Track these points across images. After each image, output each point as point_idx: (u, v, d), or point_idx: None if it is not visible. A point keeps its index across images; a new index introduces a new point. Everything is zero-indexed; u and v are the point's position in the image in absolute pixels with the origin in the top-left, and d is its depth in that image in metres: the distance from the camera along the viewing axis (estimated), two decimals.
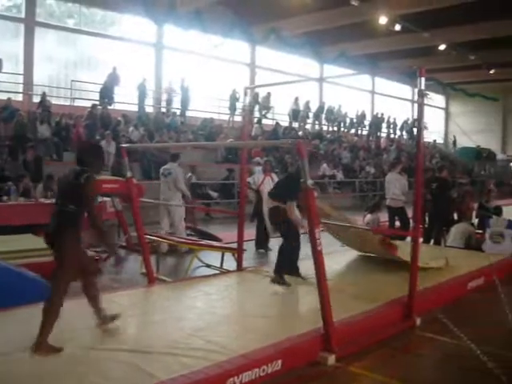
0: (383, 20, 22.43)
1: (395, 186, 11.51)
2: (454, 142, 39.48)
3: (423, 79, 5.68)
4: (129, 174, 6.64)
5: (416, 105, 5.93)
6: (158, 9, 21.30)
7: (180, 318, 5.38)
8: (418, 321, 5.92)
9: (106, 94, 20.13)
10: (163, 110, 22.43)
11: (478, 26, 23.60)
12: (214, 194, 16.92)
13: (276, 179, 10.30)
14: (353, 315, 5.50)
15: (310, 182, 4.43)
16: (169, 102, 22.39)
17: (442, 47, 27.02)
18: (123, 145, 6.94)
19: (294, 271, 7.18)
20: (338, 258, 8.68)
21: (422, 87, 5.68)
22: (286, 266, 6.92)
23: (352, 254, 9.00)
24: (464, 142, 36.04)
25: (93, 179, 4.58)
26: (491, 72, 32.44)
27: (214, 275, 7.74)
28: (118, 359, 4.31)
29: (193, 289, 6.68)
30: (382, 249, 7.37)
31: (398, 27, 23.36)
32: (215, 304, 5.91)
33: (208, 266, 8.80)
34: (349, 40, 26.72)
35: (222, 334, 4.92)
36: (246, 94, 7.78)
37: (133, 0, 20.50)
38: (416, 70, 5.77)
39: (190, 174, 14.95)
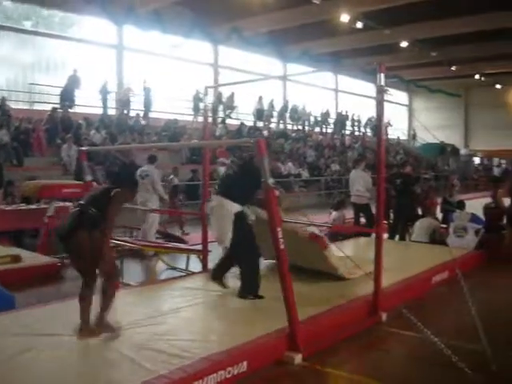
0: (345, 18, 22.51)
1: (359, 182, 11.57)
2: (414, 136, 39.99)
3: (383, 75, 5.68)
4: (88, 178, 6.51)
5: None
6: (117, 10, 20.99)
7: (143, 322, 5.26)
8: (384, 316, 5.93)
9: (67, 96, 19.79)
10: (126, 111, 22.14)
11: (439, 22, 23.82)
12: (180, 196, 16.76)
13: None
14: (319, 313, 5.48)
15: (270, 180, 4.38)
16: (126, 103, 22.03)
17: (404, 44, 27.25)
18: (82, 148, 6.74)
19: (220, 276, 6.42)
20: None
21: (382, 83, 5.67)
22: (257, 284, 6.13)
23: None
24: (428, 137, 36.44)
25: (124, 194, 4.94)
26: (453, 68, 32.89)
27: (179, 278, 7.64)
28: (80, 365, 4.25)
29: (157, 292, 6.59)
30: (313, 248, 6.63)
31: (359, 25, 23.47)
32: (179, 307, 5.80)
33: (173, 268, 8.71)
34: (311, 38, 26.78)
35: (186, 337, 4.84)
36: (206, 94, 7.68)
37: (92, 1, 20.15)
38: (376, 67, 5.75)
39: (171, 176, 14.76)
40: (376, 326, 5.81)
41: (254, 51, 28.02)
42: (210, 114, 23.30)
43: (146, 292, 6.69)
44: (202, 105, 23.72)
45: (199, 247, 8.11)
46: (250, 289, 6.05)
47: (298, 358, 4.71)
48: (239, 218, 5.89)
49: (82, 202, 4.97)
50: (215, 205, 6.04)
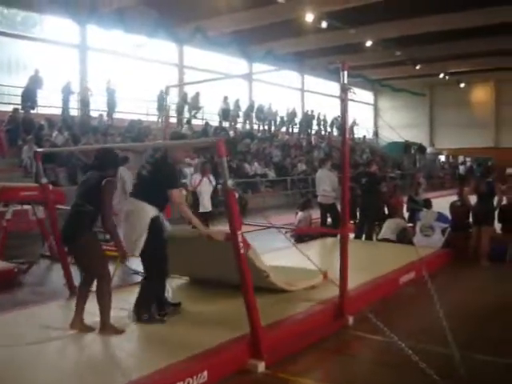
0: (309, 17, 22.47)
1: (325, 182, 11.46)
2: (376, 133, 40.17)
3: (346, 73, 5.57)
4: (44, 181, 6.26)
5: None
6: (80, 9, 20.68)
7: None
8: (351, 320, 5.81)
9: (29, 97, 19.36)
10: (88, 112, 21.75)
11: (404, 22, 23.99)
12: None
13: (213, 180, 10.10)
14: (282, 318, 5.33)
15: (230, 182, 4.22)
16: (87, 103, 21.63)
17: (369, 44, 27.34)
18: (37, 150, 6.49)
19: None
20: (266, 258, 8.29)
21: (345, 82, 5.56)
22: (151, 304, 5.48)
23: (278, 255, 8.74)
24: (393, 136, 36.72)
25: (113, 183, 5.07)
26: (417, 67, 33.16)
27: (138, 283, 7.40)
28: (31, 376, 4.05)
29: (114, 299, 6.29)
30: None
31: (324, 24, 23.46)
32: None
33: (135, 272, 8.46)
34: (276, 38, 26.71)
35: (143, 347, 4.65)
36: (168, 94, 7.49)
37: (54, 0, 19.76)
38: (339, 66, 5.63)
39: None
40: (342, 330, 5.68)
41: (219, 51, 27.84)
42: (172, 113, 23.69)
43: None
44: (168, 104, 23.76)
45: None
46: (147, 304, 5.42)
47: (262, 366, 4.55)
48: (155, 223, 5.29)
49: (76, 200, 5.06)
50: (131, 209, 5.44)
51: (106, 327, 4.94)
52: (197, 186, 10.29)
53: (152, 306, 5.44)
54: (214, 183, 10.15)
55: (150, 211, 5.27)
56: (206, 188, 9.92)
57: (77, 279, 7.05)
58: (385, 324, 5.14)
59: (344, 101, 5.61)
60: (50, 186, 6.76)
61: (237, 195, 4.50)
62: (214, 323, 5.18)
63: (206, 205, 10.17)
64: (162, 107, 23.15)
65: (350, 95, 5.70)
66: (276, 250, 8.97)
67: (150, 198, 5.30)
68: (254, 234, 9.57)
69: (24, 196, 8.88)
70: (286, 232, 6.57)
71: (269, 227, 5.68)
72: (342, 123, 5.91)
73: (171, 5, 21.65)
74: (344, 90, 5.58)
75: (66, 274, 6.57)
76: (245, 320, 4.61)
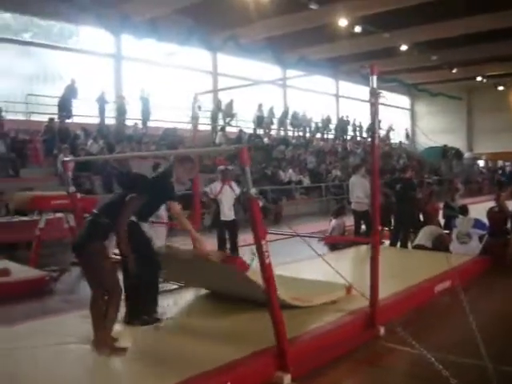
0: (343, 22, 22.33)
1: (359, 188, 11.28)
2: (407, 136, 39.31)
3: (375, 77, 5.42)
4: (71, 189, 6.26)
5: (382, 106, 5.65)
6: (113, 19, 20.98)
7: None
8: (382, 330, 5.63)
9: (64, 107, 19.65)
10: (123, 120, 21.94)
11: (439, 25, 23.62)
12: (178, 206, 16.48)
13: (236, 188, 9.96)
14: (311, 328, 5.19)
15: (253, 190, 4.12)
16: (122, 111, 21.82)
17: (404, 48, 27.05)
18: (65, 158, 6.50)
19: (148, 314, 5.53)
20: (292, 269, 7.98)
21: (374, 86, 5.42)
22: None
23: (305, 265, 8.59)
24: (430, 141, 36.23)
25: (137, 199, 4.86)
26: (454, 71, 32.63)
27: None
28: None
29: None
30: (231, 274, 5.44)
31: (358, 29, 23.27)
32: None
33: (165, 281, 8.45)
34: (310, 44, 26.64)
35: (164, 357, 4.55)
36: (195, 101, 7.42)
37: (88, 11, 20.04)
38: (368, 70, 5.49)
39: None
40: (373, 341, 5.49)
41: (252, 58, 27.84)
42: (207, 121, 23.76)
43: None
44: (202, 113, 23.78)
45: None
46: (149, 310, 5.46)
47: (288, 379, 4.39)
48: (131, 228, 5.09)
49: (95, 211, 4.92)
50: None
51: (101, 344, 4.62)
52: (218, 193, 10.14)
53: (151, 306, 5.52)
54: (237, 191, 9.98)
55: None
56: (227, 196, 9.74)
57: None
58: (416, 335, 4.99)
59: (374, 105, 5.45)
60: (78, 195, 6.74)
61: (261, 204, 4.36)
62: (234, 336, 5.06)
63: (226, 213, 10.00)
64: (196, 115, 23.20)
65: (380, 100, 5.54)
66: (304, 260, 8.78)
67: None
68: (283, 242, 9.50)
69: (55, 204, 8.95)
70: (318, 240, 6.39)
71: (294, 236, 5.51)
72: (371, 128, 5.76)
73: (204, 13, 21.73)
74: (374, 94, 5.42)
75: None
76: (269, 332, 4.50)
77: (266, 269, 4.24)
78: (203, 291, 6.81)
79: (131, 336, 5.08)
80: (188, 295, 6.83)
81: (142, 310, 5.47)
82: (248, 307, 5.63)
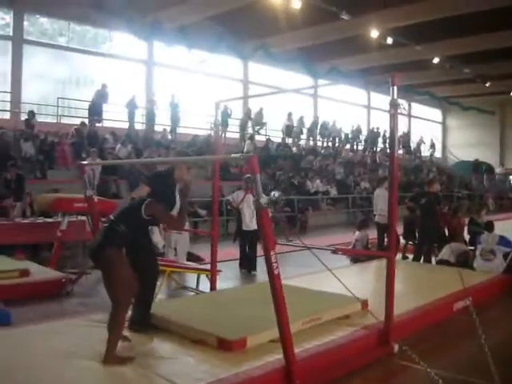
0: (374, 34, 22.16)
1: (382, 201, 11.14)
2: (433, 146, 38.57)
3: (395, 88, 5.33)
4: (88, 193, 6.28)
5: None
6: (145, 26, 21.21)
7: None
8: (396, 347, 5.49)
9: (95, 111, 19.86)
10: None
11: (471, 38, 23.36)
12: (203, 212, 16.53)
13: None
14: (321, 343, 5.08)
15: (263, 200, 4.06)
16: (151, 116, 21.93)
17: (436, 60, 26.74)
18: (82, 162, 6.52)
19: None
20: (309, 280, 7.96)
21: (395, 97, 5.33)
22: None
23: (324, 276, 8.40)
24: (463, 155, 35.81)
25: (154, 202, 4.81)
26: (487, 85, 32.15)
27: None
28: None
29: None
30: None
31: (389, 41, 23.09)
32: (158, 335, 5.36)
33: (184, 287, 8.45)
34: (341, 55, 26.57)
35: (170, 368, 4.47)
36: (217, 108, 7.40)
37: (120, 17, 20.30)
38: (388, 80, 5.40)
39: None
40: (387, 358, 5.37)
41: (283, 67, 27.85)
42: (236, 129, 23.81)
43: None
44: (232, 121, 23.89)
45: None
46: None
47: None
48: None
49: (112, 217, 4.85)
50: None
51: (110, 358, 4.52)
52: (240, 202, 10.10)
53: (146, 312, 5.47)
54: None
55: None
56: (249, 205, 9.70)
57: None
58: (430, 353, 4.87)
59: (393, 117, 5.37)
60: (96, 198, 6.76)
61: (270, 214, 4.29)
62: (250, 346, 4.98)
63: (247, 223, 9.99)
64: (225, 122, 23.32)
65: (400, 111, 5.45)
66: (322, 272, 8.65)
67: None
68: (303, 253, 9.39)
69: (78, 207, 9.00)
70: (331, 252, 6.27)
71: (303, 248, 5.41)
72: (390, 140, 5.67)
73: (235, 21, 21.84)
74: (393, 105, 5.33)
75: None
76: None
77: (274, 280, 4.17)
78: None
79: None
80: None
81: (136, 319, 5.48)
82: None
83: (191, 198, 15.64)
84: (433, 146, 37.87)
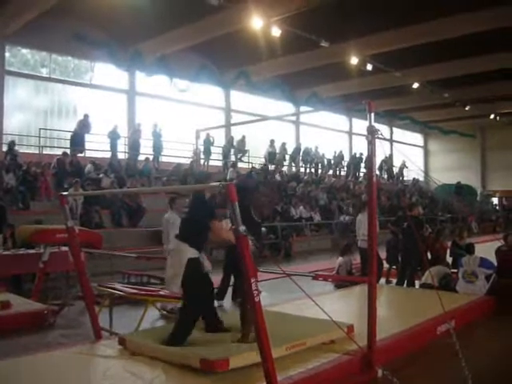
0: (354, 60, 22.44)
1: (365, 226, 11.17)
2: (402, 169, 37.29)
3: (372, 114, 5.41)
4: (69, 224, 6.25)
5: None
6: (125, 57, 21.38)
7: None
8: (380, 372, 5.48)
9: (77, 141, 19.84)
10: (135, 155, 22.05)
11: (450, 63, 23.75)
12: None
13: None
14: (303, 370, 5.07)
15: (242, 228, 4.08)
16: (135, 145, 21.99)
17: (416, 86, 27.09)
18: (63, 193, 6.50)
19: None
20: (294, 307, 7.88)
21: (372, 123, 5.41)
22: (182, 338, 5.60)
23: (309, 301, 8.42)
24: (445, 179, 36.05)
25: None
26: (466, 109, 32.58)
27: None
28: None
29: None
30: None
31: (369, 67, 23.38)
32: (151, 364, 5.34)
33: (168, 316, 8.40)
34: (322, 82, 26.91)
35: None
36: (197, 137, 7.45)
37: (102, 48, 20.47)
38: (365, 105, 5.48)
39: None
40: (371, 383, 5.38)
41: (264, 95, 28.10)
42: (219, 157, 23.88)
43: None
44: (214, 149, 23.98)
45: None
46: (175, 340, 5.54)
47: None
48: (191, 264, 5.60)
49: None
50: (172, 248, 5.97)
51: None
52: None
53: (184, 339, 5.54)
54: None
55: (189, 253, 5.60)
56: None
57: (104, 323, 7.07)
58: (413, 378, 4.87)
59: (371, 143, 5.44)
60: (77, 229, 6.74)
61: (250, 243, 4.32)
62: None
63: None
64: (208, 150, 23.41)
65: (377, 137, 5.52)
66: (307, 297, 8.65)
67: (190, 238, 5.65)
68: (287, 279, 9.37)
69: (60, 238, 8.93)
70: (311, 278, 6.31)
71: (285, 275, 5.41)
72: (368, 166, 5.74)
73: (215, 50, 22.09)
74: (371, 131, 5.41)
75: (92, 318, 6.49)
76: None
77: (255, 307, 4.18)
78: None
79: None
80: None
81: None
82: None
83: None
84: (403, 168, 37.51)
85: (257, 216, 5.88)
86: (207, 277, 5.85)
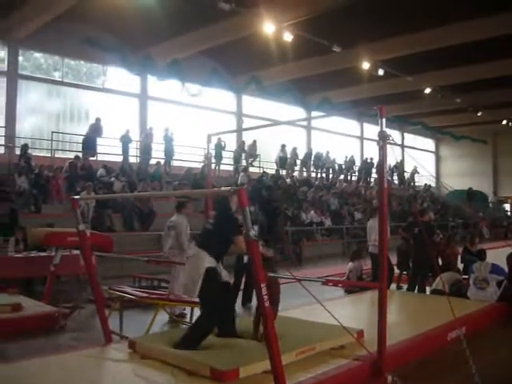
0: (366, 66, 22.41)
1: (376, 231, 11.15)
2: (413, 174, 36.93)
3: (384, 120, 5.40)
4: (81, 227, 6.28)
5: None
6: (138, 61, 21.48)
7: None
8: (390, 379, 5.46)
9: (89, 145, 19.95)
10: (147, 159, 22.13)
11: (462, 68, 23.68)
12: None
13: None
14: (314, 375, 5.06)
15: (252, 232, 4.08)
16: (147, 149, 22.08)
17: (428, 91, 27.00)
18: (74, 196, 6.54)
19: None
20: (305, 312, 7.81)
21: (383, 128, 5.39)
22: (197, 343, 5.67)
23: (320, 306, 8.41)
24: (456, 184, 35.90)
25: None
26: (478, 114, 32.44)
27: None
28: None
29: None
30: None
31: (381, 72, 23.33)
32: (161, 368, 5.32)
33: (179, 320, 8.42)
34: (333, 87, 26.88)
35: None
36: (209, 142, 7.47)
37: (114, 53, 20.58)
38: (377, 111, 5.47)
39: None
40: None
41: (276, 100, 28.15)
42: (230, 161, 23.92)
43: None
44: (226, 153, 24.05)
45: None
46: (189, 344, 5.57)
47: None
48: (209, 274, 5.61)
49: None
50: (191, 254, 5.89)
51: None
52: None
53: (197, 345, 5.59)
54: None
55: (207, 262, 5.62)
56: None
57: (114, 326, 7.09)
58: None
59: (382, 148, 5.43)
60: (88, 232, 6.78)
61: (261, 248, 4.33)
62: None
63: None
64: (219, 155, 23.47)
65: (389, 142, 5.51)
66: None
67: (210, 247, 5.68)
68: (298, 284, 9.35)
69: (71, 241, 8.98)
70: (321, 284, 6.32)
71: (296, 280, 5.42)
72: (379, 171, 5.73)
73: (227, 55, 22.15)
74: (382, 137, 5.40)
75: (102, 321, 6.50)
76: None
77: (265, 312, 4.18)
78: None
79: None
80: None
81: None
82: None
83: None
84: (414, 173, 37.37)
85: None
86: (225, 286, 5.92)
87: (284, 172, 26.82)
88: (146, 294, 7.73)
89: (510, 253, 10.46)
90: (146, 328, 7.24)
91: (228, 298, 6.11)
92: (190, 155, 23.80)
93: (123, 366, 5.46)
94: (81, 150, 19.95)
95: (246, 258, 9.63)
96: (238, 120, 27.88)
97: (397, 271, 12.06)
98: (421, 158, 39.05)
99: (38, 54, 21.42)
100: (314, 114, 29.84)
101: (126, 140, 21.02)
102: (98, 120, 20.42)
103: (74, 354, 5.92)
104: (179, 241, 9.31)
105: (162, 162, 22.06)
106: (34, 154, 18.76)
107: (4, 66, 20.03)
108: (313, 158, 29.19)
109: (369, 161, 32.94)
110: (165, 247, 9.60)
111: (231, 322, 6.10)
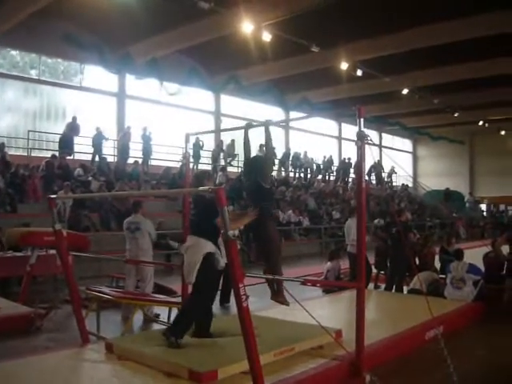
0: (344, 66, 22.46)
1: (354, 232, 11.20)
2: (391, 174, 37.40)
3: (362, 120, 5.42)
4: (57, 227, 6.22)
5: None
6: (116, 59, 21.31)
7: None
8: (368, 378, 5.47)
9: (65, 144, 19.76)
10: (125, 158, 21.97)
11: (440, 69, 23.81)
12: (175, 245, 16.41)
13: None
14: (292, 375, 5.06)
15: (230, 232, 4.07)
16: (125, 148, 21.91)
17: (405, 91, 27.14)
18: (51, 196, 6.47)
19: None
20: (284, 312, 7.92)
21: (361, 128, 5.41)
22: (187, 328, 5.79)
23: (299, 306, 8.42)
24: (434, 184, 36.14)
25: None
26: (456, 115, 32.70)
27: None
28: None
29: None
30: None
31: (359, 73, 23.41)
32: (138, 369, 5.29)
33: (155, 320, 8.37)
34: (312, 87, 26.89)
35: None
36: (187, 141, 7.43)
37: (92, 51, 20.39)
38: (355, 111, 5.49)
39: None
40: None
41: (254, 99, 28.12)
42: (208, 161, 23.86)
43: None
44: (204, 153, 23.99)
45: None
46: (176, 331, 5.64)
47: None
48: (207, 259, 5.66)
49: None
50: (190, 244, 5.86)
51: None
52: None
53: (185, 331, 5.71)
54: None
55: (205, 248, 5.70)
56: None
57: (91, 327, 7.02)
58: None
59: (360, 149, 5.45)
60: (64, 232, 6.70)
61: (238, 246, 4.33)
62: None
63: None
64: (197, 154, 23.36)
65: (367, 142, 5.53)
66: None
67: (204, 234, 5.76)
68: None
69: (47, 241, 8.89)
70: (299, 284, 6.36)
71: (276, 280, 5.45)
72: (357, 171, 5.75)
73: (205, 54, 22.04)
74: (360, 137, 5.41)
75: (79, 322, 6.44)
76: None
77: (243, 312, 4.16)
78: None
79: None
80: None
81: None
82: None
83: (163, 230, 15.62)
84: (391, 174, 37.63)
85: (266, 183, 6.41)
86: (219, 275, 6.21)
87: None
88: (123, 295, 7.67)
89: (485, 252, 10.58)
90: (123, 328, 7.20)
91: (216, 290, 6.34)
92: (168, 154, 23.75)
93: (100, 366, 5.41)
94: (57, 148, 19.75)
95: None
96: (216, 119, 27.77)
97: (375, 271, 12.13)
98: (398, 158, 39.35)
99: (14, 52, 21.12)
100: (293, 113, 29.84)
101: (98, 138, 20.72)
102: (74, 119, 20.21)
103: (50, 355, 5.87)
104: (151, 239, 9.34)
105: (140, 161, 21.90)
106: (10, 152, 18.48)
107: None
108: (291, 157, 29.22)
109: (347, 161, 33.07)
110: (130, 251, 9.26)
111: (209, 321, 6.10)
